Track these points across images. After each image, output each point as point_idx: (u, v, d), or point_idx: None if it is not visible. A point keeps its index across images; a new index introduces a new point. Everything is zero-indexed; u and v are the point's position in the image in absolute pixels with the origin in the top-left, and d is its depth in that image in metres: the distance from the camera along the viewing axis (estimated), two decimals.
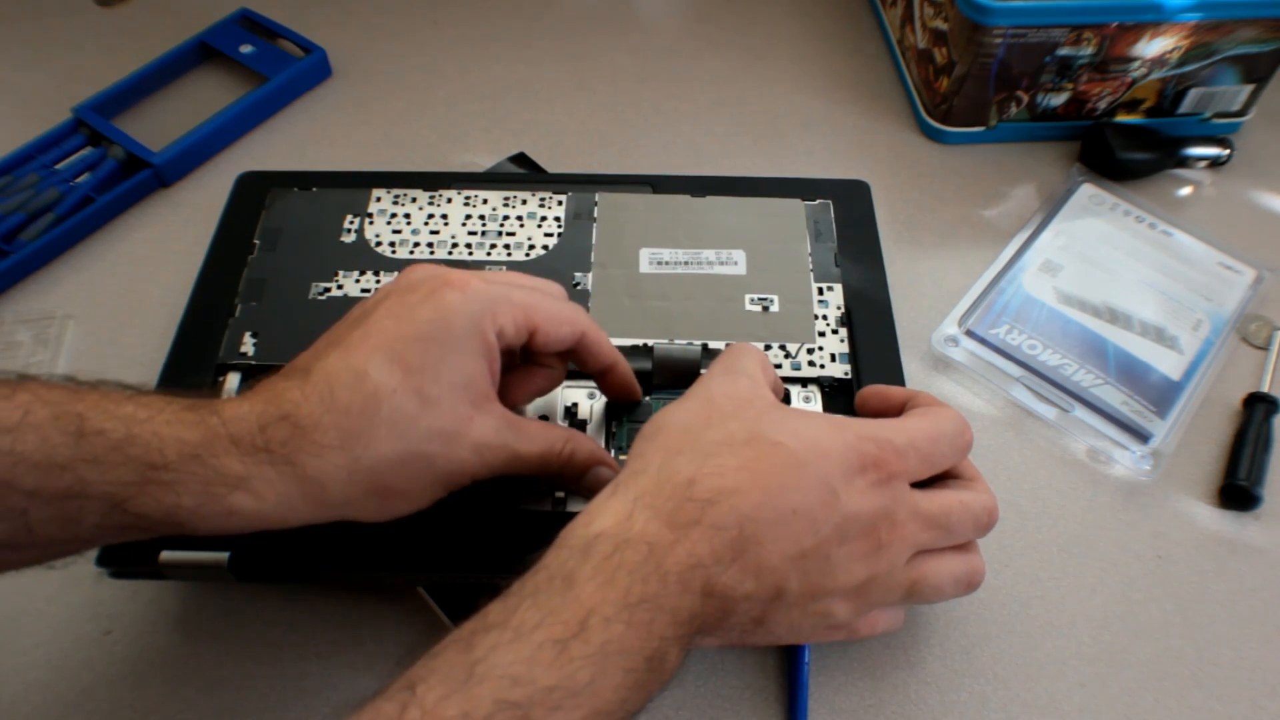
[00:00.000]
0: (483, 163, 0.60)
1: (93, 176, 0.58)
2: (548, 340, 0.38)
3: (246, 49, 0.66)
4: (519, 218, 0.51)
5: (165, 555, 0.39)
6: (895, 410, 0.39)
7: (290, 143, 0.63)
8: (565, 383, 0.45)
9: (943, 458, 0.36)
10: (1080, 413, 0.50)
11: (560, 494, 0.41)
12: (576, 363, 0.40)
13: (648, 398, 0.45)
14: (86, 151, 0.60)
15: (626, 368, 0.42)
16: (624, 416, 0.44)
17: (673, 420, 0.35)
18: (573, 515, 0.40)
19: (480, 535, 0.40)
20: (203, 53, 0.67)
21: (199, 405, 0.34)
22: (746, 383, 0.36)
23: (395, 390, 0.34)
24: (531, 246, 0.50)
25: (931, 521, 0.34)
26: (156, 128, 0.62)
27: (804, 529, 0.32)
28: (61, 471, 0.31)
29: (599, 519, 0.32)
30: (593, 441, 0.40)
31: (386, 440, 0.34)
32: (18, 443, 0.31)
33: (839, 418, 0.35)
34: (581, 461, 0.39)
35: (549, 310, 0.38)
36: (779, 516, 0.31)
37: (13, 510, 0.31)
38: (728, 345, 0.42)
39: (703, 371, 0.45)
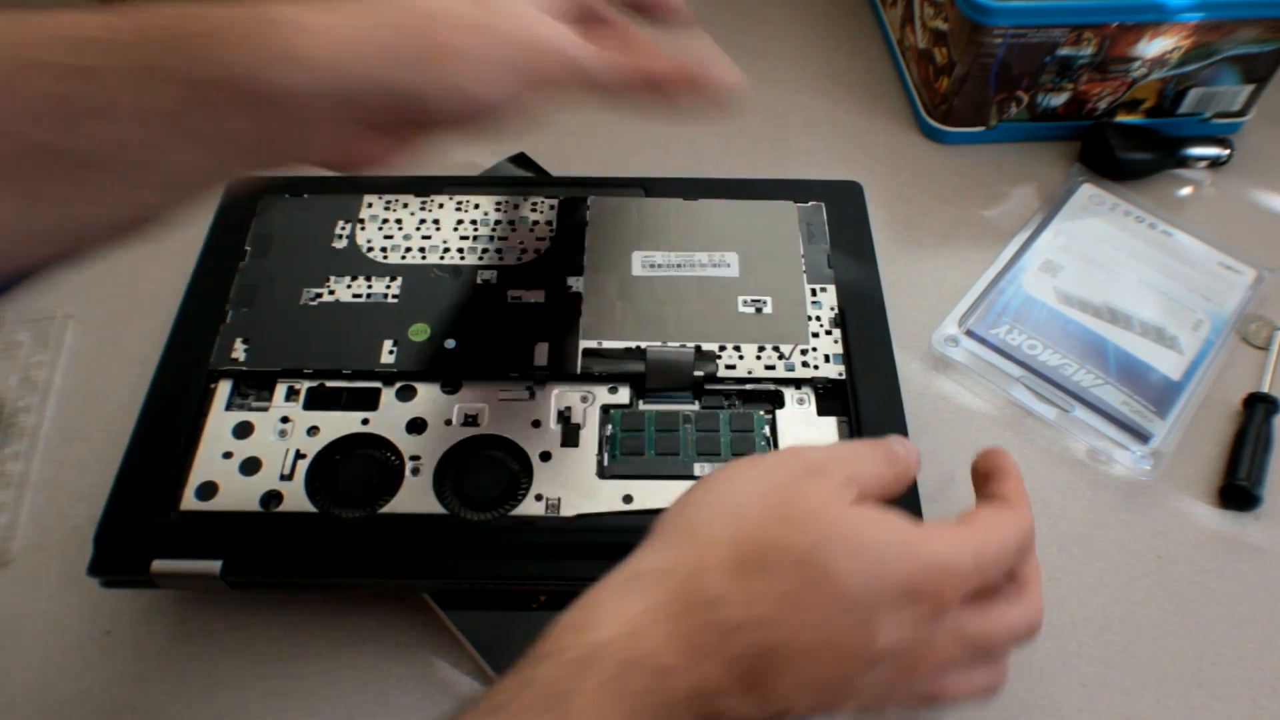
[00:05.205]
0: (482, 162, 0.60)
1: None
2: None
3: None
4: (511, 222, 0.51)
5: (157, 565, 0.39)
6: (980, 474, 0.35)
7: None
8: (557, 386, 0.45)
9: (1003, 572, 0.32)
10: (1080, 413, 0.50)
11: (554, 498, 0.41)
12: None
13: (641, 402, 0.45)
14: None
15: None
16: (617, 423, 0.44)
17: (725, 501, 0.30)
18: (566, 521, 0.41)
19: (473, 543, 0.40)
20: None
21: None
22: (830, 486, 0.30)
23: None
24: (523, 250, 0.50)
25: (970, 644, 0.30)
26: None
27: (830, 662, 0.28)
28: None
29: (604, 622, 0.28)
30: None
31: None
32: None
33: (923, 530, 0.30)
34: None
35: None
36: (807, 649, 0.28)
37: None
38: (872, 440, 0.34)
39: (698, 373, 0.45)
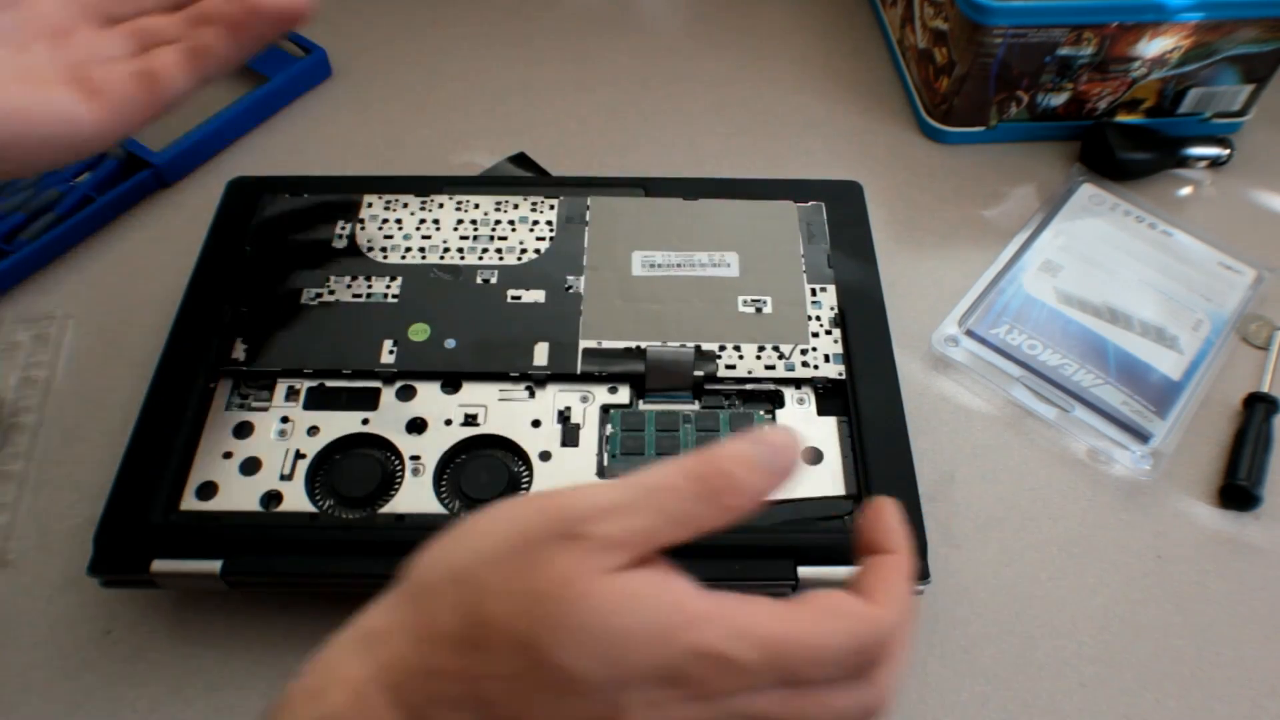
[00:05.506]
0: (482, 162, 0.60)
1: (92, 176, 0.58)
2: None
3: None
4: (511, 222, 0.51)
5: (157, 565, 0.39)
6: (861, 544, 0.30)
7: (290, 143, 0.63)
8: (558, 386, 0.45)
9: (823, 676, 0.26)
10: (1080, 413, 0.50)
11: None
12: None
13: (641, 402, 0.45)
14: None
15: None
16: (617, 423, 0.44)
17: (460, 561, 0.27)
18: None
19: None
20: None
21: None
22: (579, 556, 0.25)
23: None
24: (523, 250, 0.50)
25: None
26: (156, 127, 0.62)
27: None
28: None
29: (333, 690, 0.26)
30: None
31: None
32: None
33: (700, 609, 0.25)
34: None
35: None
36: None
37: None
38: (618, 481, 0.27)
39: (698, 372, 0.45)
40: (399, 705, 0.25)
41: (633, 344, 0.46)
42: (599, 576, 0.25)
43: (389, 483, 0.42)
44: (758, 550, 0.40)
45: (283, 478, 0.42)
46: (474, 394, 0.45)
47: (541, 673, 0.25)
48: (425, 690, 0.25)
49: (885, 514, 0.30)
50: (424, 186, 0.53)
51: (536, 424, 0.44)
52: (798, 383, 0.46)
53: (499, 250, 0.50)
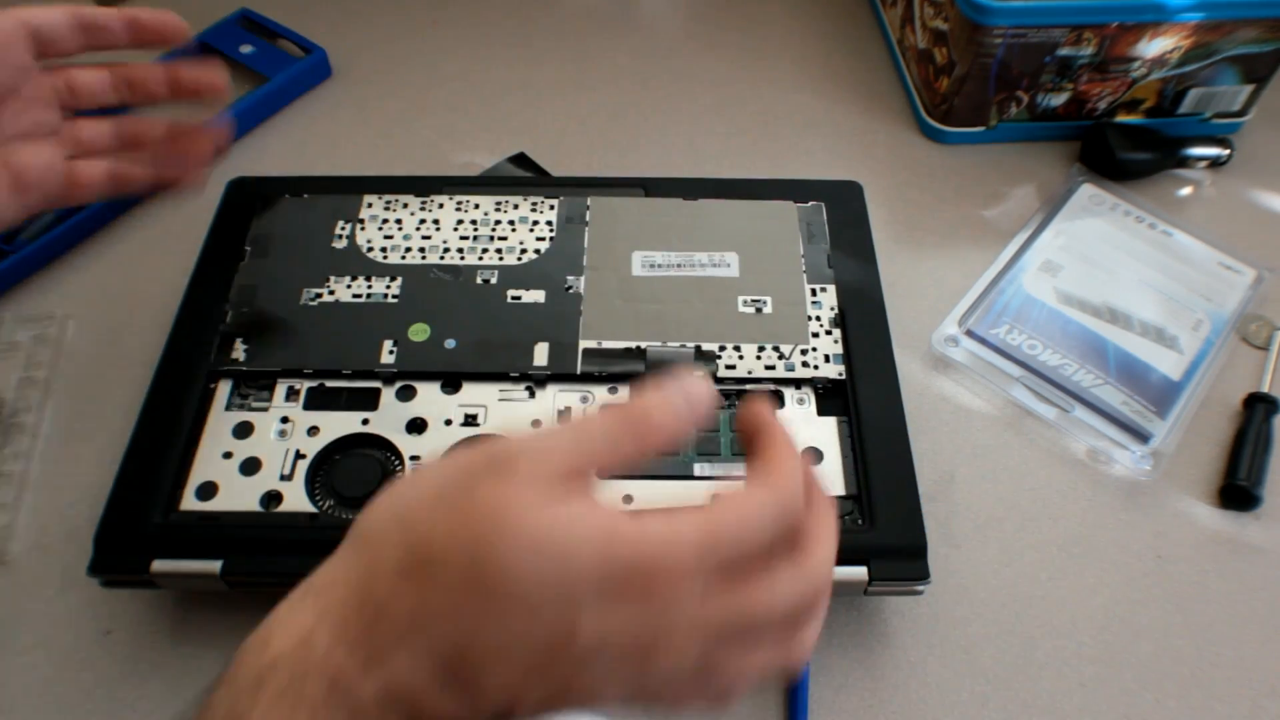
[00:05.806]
0: (482, 162, 0.60)
1: None
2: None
3: (246, 49, 0.66)
4: (511, 222, 0.51)
5: (157, 565, 0.39)
6: (743, 441, 0.32)
7: (290, 143, 0.63)
8: (558, 386, 0.45)
9: (755, 547, 0.28)
10: (1080, 413, 0.50)
11: None
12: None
13: None
14: None
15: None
16: None
17: (396, 507, 0.28)
18: None
19: None
20: (202, 53, 0.67)
21: None
22: (511, 486, 0.26)
23: None
24: (523, 250, 0.50)
25: (724, 630, 0.27)
26: None
27: (532, 656, 0.26)
28: None
29: (277, 636, 0.27)
30: None
31: None
32: None
33: (632, 522, 0.26)
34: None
35: None
36: (497, 648, 0.26)
37: None
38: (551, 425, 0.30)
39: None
40: (344, 642, 0.26)
41: (633, 344, 0.46)
42: (533, 501, 0.26)
43: (389, 483, 0.42)
44: None
45: (283, 478, 0.42)
46: (474, 394, 0.45)
47: (486, 596, 0.25)
48: (370, 620, 0.26)
49: (754, 408, 0.32)
50: (424, 186, 0.53)
51: (536, 424, 0.44)
52: (798, 383, 0.46)
53: (499, 250, 0.50)
